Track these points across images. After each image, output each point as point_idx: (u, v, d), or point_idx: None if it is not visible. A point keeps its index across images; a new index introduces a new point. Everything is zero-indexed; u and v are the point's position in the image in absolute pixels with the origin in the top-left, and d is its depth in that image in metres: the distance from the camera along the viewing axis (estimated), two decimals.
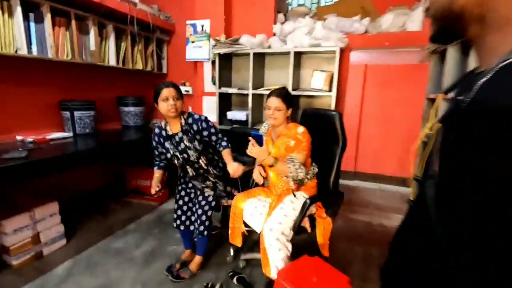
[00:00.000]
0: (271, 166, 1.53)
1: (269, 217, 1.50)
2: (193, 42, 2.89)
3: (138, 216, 2.59)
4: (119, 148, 2.41)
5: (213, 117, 2.92)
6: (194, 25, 2.85)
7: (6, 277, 1.74)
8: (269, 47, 2.52)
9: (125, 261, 1.94)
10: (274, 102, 1.55)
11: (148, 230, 2.36)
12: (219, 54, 2.61)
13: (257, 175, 1.72)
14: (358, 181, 3.23)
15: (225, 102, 2.88)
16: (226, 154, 1.73)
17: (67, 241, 2.12)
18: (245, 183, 1.99)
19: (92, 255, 1.99)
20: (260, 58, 2.63)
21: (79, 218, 2.44)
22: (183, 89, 3.19)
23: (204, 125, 1.68)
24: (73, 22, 2.18)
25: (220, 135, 1.76)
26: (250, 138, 1.51)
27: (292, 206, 1.53)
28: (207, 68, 2.89)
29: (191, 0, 2.95)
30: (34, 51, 1.98)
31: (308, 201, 1.48)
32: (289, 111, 1.59)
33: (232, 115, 2.72)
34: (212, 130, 1.72)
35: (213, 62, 2.81)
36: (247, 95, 2.63)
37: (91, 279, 1.74)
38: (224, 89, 2.72)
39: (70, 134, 2.34)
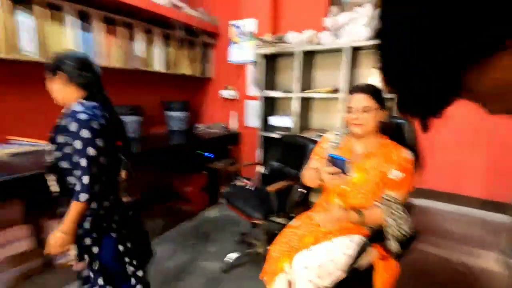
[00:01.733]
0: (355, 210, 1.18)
1: (307, 250, 1.14)
2: (237, 43, 2.75)
3: (178, 222, 2.54)
4: (164, 153, 2.38)
5: (256, 122, 2.72)
6: (238, 26, 2.71)
7: (53, 275, 1.81)
8: (319, 43, 2.21)
9: (156, 273, 1.86)
10: (361, 100, 1.16)
11: (184, 240, 2.27)
12: (263, 55, 2.41)
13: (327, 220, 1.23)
14: (427, 200, 2.63)
15: (269, 107, 2.66)
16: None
17: None
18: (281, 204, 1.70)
19: None
20: (308, 56, 2.34)
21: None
22: (227, 92, 3.09)
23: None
24: (122, 30, 2.24)
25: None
26: (327, 162, 1.16)
27: (343, 250, 1.13)
28: (251, 70, 2.72)
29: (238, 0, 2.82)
30: None
31: (366, 242, 1.12)
32: (382, 113, 1.19)
33: (275, 120, 2.47)
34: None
35: (256, 64, 2.62)
36: (293, 98, 2.37)
37: None
38: (268, 92, 2.50)
39: None
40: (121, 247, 1.14)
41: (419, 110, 0.28)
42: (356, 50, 2.05)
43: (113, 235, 1.11)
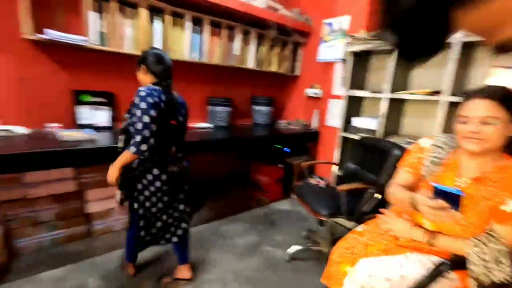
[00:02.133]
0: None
1: (375, 258, 1.07)
2: (327, 41, 2.73)
3: (250, 207, 2.76)
4: (247, 142, 2.63)
5: (338, 122, 2.65)
6: (331, 24, 2.68)
7: None
8: None
9: (227, 246, 2.10)
10: (482, 109, 0.91)
11: (253, 223, 2.46)
12: (353, 53, 2.31)
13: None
14: None
15: (353, 107, 2.54)
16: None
17: None
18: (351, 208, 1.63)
19: (203, 231, 2.29)
20: None
21: (203, 196, 2.90)
22: (312, 91, 3.11)
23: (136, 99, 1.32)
24: (224, 32, 2.58)
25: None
26: (433, 194, 0.93)
27: (418, 268, 1.01)
28: (338, 69, 2.65)
29: None
30: (196, 57, 2.48)
31: (447, 265, 0.99)
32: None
33: (358, 122, 2.34)
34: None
35: (345, 62, 2.54)
36: (382, 99, 2.19)
37: (194, 252, 1.97)
38: (353, 92, 2.39)
39: (211, 125, 2.80)
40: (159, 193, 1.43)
41: (421, 50, 0.37)
42: (467, 45, 1.73)
43: (150, 177, 1.40)
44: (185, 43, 2.38)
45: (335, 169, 2.45)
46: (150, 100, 1.30)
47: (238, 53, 2.73)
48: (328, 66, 2.83)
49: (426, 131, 2.14)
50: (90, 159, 1.71)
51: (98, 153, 1.70)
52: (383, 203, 1.77)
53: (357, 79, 2.49)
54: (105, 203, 2.12)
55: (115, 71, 2.31)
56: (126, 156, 1.32)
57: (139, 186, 1.43)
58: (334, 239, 1.99)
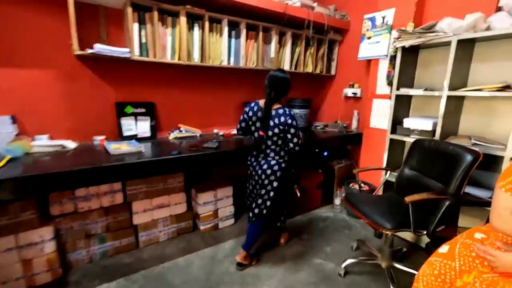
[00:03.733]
0: None
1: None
2: (369, 38, 2.56)
3: (292, 215, 2.65)
4: None
5: (384, 123, 2.47)
6: (372, 18, 2.51)
7: (195, 237, 2.27)
8: (488, 28, 1.75)
9: (276, 257, 2.01)
10: None
11: (298, 232, 2.35)
12: (403, 48, 2.13)
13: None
14: None
15: (401, 107, 2.35)
16: None
17: (234, 221, 2.50)
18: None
19: None
20: (466, 46, 1.90)
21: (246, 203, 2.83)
22: (350, 91, 2.95)
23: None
24: (261, 34, 2.49)
25: None
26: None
27: None
28: (383, 66, 2.47)
29: None
30: (232, 62, 2.42)
31: None
32: None
33: (412, 123, 2.15)
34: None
35: (392, 59, 2.36)
36: (438, 97, 1.99)
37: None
38: (404, 91, 2.20)
39: None
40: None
41: None
42: None
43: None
44: (223, 48, 2.32)
45: (384, 174, 2.27)
46: (245, 110, 1.85)
47: (273, 55, 2.64)
48: (370, 63, 2.65)
49: (493, 131, 1.92)
50: (138, 173, 1.69)
51: (145, 167, 1.68)
52: (455, 215, 1.60)
53: (406, 76, 2.30)
54: (150, 214, 2.10)
55: (155, 81, 2.30)
56: None
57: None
58: (393, 252, 1.84)
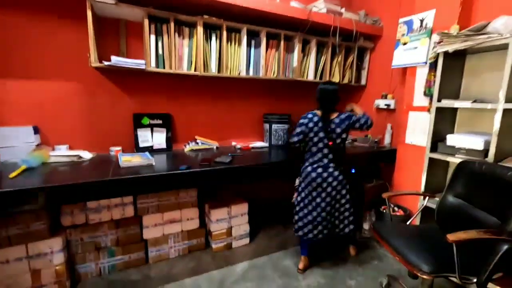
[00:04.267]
0: None
1: None
2: (404, 44, 2.29)
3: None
4: None
5: (423, 140, 2.16)
6: (409, 22, 2.24)
7: (206, 255, 2.14)
8: None
9: None
10: None
11: (318, 260, 2.10)
12: (445, 54, 1.84)
13: None
14: None
15: (444, 121, 2.02)
16: None
17: (249, 241, 2.33)
18: None
19: (264, 265, 2.02)
20: None
21: (263, 222, 2.65)
22: (383, 102, 2.67)
23: None
24: (282, 43, 2.36)
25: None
26: None
27: None
28: (421, 75, 2.18)
29: None
30: (251, 72, 2.31)
31: None
32: None
33: (457, 140, 1.83)
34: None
35: (432, 66, 2.06)
36: (491, 111, 1.66)
37: None
38: (447, 102, 1.89)
39: (266, 144, 2.58)
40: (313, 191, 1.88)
41: None
42: None
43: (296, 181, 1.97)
44: (241, 58, 2.23)
45: (423, 199, 1.95)
46: (300, 121, 1.90)
47: (296, 65, 2.48)
48: (406, 72, 2.37)
49: None
50: (146, 187, 1.62)
51: (153, 181, 1.60)
52: None
53: (449, 86, 1.99)
54: (161, 229, 2.03)
55: (173, 92, 2.28)
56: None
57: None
58: None
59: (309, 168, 1.87)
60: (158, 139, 2.23)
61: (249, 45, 2.25)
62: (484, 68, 1.90)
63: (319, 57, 2.61)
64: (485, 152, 1.71)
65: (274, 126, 2.55)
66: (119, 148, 2.07)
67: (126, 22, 2.00)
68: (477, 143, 1.72)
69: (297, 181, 1.99)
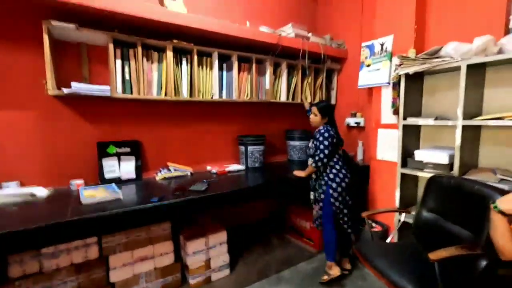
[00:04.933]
0: None
1: None
2: (368, 65, 2.43)
3: (294, 262, 2.33)
4: (283, 184, 2.26)
5: (393, 155, 2.24)
6: (371, 46, 2.40)
7: None
8: (500, 51, 1.59)
9: None
10: None
11: (303, 285, 2.02)
12: (406, 75, 1.97)
13: None
14: None
15: (410, 137, 2.14)
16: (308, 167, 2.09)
17: (230, 272, 2.19)
18: None
19: None
20: (476, 71, 1.73)
21: (242, 249, 2.52)
22: (353, 120, 2.77)
23: (318, 136, 1.99)
24: (254, 66, 2.39)
25: (318, 150, 1.96)
26: None
27: None
28: (386, 94, 2.31)
29: (369, 18, 2.55)
30: (224, 95, 2.28)
31: None
32: None
33: (424, 155, 1.92)
34: (318, 143, 1.97)
35: (395, 85, 2.20)
36: (450, 127, 1.78)
37: None
38: (413, 120, 2.01)
39: (243, 167, 2.52)
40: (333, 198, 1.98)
41: None
42: None
43: (330, 190, 1.97)
44: (214, 82, 2.20)
45: (399, 214, 2.00)
46: (326, 134, 1.96)
47: (268, 87, 2.51)
48: (371, 92, 2.50)
49: None
50: (115, 226, 1.46)
51: (124, 218, 1.45)
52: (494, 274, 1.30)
53: (412, 104, 2.12)
54: (131, 269, 1.83)
55: (142, 118, 2.16)
56: (311, 168, 2.04)
57: None
58: None
59: (343, 171, 2.00)
60: (126, 168, 2.07)
61: (220, 68, 2.23)
62: (441, 88, 2.06)
63: (290, 79, 2.68)
64: (450, 165, 1.81)
65: (250, 148, 2.51)
66: (81, 181, 1.88)
67: (89, 46, 1.89)
68: (442, 157, 1.82)
69: (312, 196, 2.14)
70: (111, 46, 1.73)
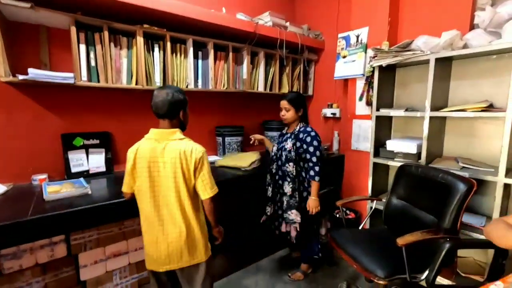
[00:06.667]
0: None
1: None
2: (344, 57, 2.46)
3: (272, 250, 2.37)
4: (256, 176, 2.26)
5: (366, 146, 2.32)
6: (347, 37, 2.42)
7: None
8: (465, 46, 1.67)
9: None
10: None
11: (279, 273, 2.07)
12: (380, 67, 2.02)
13: None
14: None
15: (383, 128, 2.22)
16: (312, 186, 1.75)
17: None
18: None
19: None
20: (443, 65, 1.82)
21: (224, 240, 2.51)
22: (329, 111, 2.81)
23: (308, 139, 1.73)
24: (231, 55, 2.32)
25: (314, 160, 1.71)
26: None
27: None
28: (361, 86, 2.36)
29: (346, 10, 2.56)
30: (199, 85, 2.21)
31: None
32: None
33: (395, 145, 2.01)
34: (311, 149, 1.72)
35: (368, 78, 2.25)
36: (420, 118, 1.87)
37: None
38: (385, 111, 2.08)
39: (221, 158, 2.48)
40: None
41: None
42: None
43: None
44: (189, 70, 2.11)
45: (371, 202, 2.09)
46: (319, 138, 1.76)
47: (245, 77, 2.47)
48: (347, 83, 2.54)
49: (478, 151, 1.80)
50: (83, 223, 1.38)
51: (93, 214, 1.38)
52: (454, 254, 1.40)
53: (385, 96, 2.19)
54: (103, 265, 1.76)
55: (111, 108, 2.03)
56: (317, 185, 1.73)
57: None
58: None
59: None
60: (96, 161, 1.95)
61: (196, 56, 2.15)
62: (411, 80, 2.14)
63: (268, 69, 2.64)
64: (418, 155, 1.90)
65: (228, 139, 2.48)
66: (44, 176, 1.75)
67: (50, 29, 1.72)
68: (411, 147, 1.91)
69: (269, 192, 2.02)
70: (73, 29, 1.59)
